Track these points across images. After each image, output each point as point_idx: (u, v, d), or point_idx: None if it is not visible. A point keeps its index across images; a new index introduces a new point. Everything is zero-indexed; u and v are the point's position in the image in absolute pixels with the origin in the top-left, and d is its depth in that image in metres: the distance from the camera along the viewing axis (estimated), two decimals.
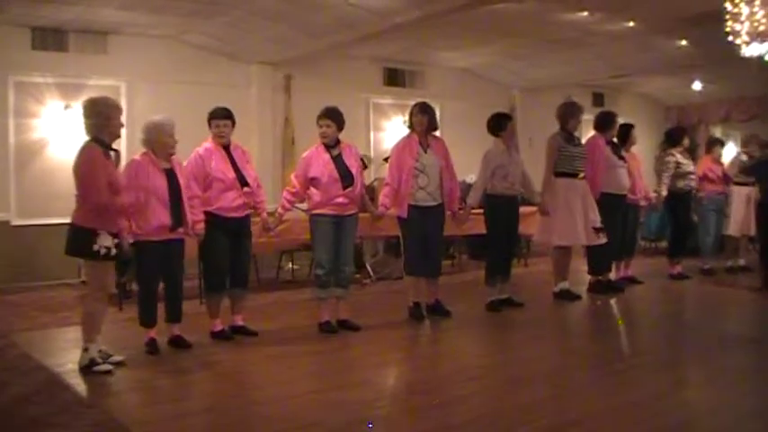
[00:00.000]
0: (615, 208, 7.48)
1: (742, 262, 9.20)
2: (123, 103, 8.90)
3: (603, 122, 7.67)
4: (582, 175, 7.13)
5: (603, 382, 4.56)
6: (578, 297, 7.27)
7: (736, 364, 4.99)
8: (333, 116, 5.84)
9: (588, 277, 7.72)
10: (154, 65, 9.57)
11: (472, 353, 5.58)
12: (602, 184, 7.36)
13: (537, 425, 3.72)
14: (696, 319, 6.68)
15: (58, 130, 8.85)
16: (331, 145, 5.84)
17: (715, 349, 5.34)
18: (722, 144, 9.39)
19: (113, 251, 4.73)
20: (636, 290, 7.97)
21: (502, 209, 6.62)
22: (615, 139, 7.78)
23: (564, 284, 7.29)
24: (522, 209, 7.09)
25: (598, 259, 7.54)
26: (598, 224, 7.07)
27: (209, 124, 5.68)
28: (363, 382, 4.65)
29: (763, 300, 7.34)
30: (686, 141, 8.46)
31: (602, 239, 7.11)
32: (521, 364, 5.15)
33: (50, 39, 8.96)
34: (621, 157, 7.63)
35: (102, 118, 4.75)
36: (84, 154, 4.71)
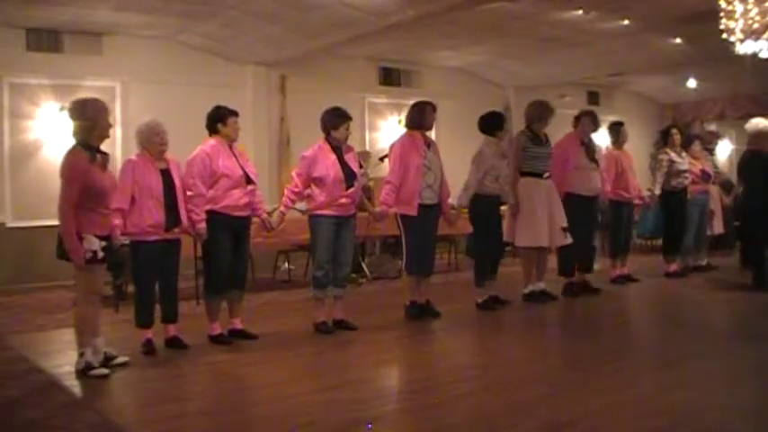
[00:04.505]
0: (581, 209, 7.17)
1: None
2: (118, 105, 8.93)
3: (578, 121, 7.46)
4: (547, 174, 6.93)
5: (598, 381, 4.56)
6: (545, 299, 6.97)
7: (731, 362, 4.99)
8: (350, 118, 5.93)
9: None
10: (149, 66, 9.57)
11: (468, 352, 5.59)
12: (568, 184, 7.17)
13: (532, 424, 3.72)
14: (690, 317, 6.68)
15: (52, 132, 8.82)
16: (339, 146, 5.85)
17: (709, 348, 5.34)
18: (700, 140, 9.28)
19: (100, 254, 4.62)
20: (631, 288, 7.99)
21: (489, 208, 6.62)
22: (609, 136, 7.78)
23: (533, 287, 7.03)
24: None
25: (564, 261, 7.37)
26: (564, 224, 6.91)
27: (223, 121, 5.51)
28: (360, 382, 4.65)
29: (756, 298, 7.35)
30: (676, 139, 8.40)
31: (569, 240, 6.94)
32: (516, 363, 5.16)
33: (45, 40, 8.97)
34: (594, 159, 7.34)
35: (88, 121, 4.64)
36: (66, 160, 4.60)
